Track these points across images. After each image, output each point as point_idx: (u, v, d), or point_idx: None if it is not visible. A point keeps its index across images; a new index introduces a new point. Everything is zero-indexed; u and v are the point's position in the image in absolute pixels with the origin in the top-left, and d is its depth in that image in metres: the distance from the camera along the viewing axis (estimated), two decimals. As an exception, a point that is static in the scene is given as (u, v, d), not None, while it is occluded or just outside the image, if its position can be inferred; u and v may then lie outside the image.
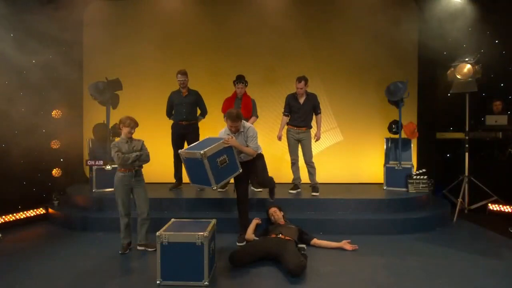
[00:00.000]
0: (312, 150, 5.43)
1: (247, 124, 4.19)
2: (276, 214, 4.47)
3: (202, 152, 3.59)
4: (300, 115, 5.29)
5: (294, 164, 5.43)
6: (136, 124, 4.09)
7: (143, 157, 4.09)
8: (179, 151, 3.90)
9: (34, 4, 5.04)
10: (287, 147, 5.47)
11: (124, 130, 4.04)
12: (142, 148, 4.13)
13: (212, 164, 3.67)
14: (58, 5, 5.65)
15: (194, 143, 4.16)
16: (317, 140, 5.42)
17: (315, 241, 4.20)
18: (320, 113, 5.40)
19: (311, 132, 5.40)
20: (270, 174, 4.41)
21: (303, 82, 5.16)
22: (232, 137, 3.96)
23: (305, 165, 5.39)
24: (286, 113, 5.41)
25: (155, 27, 6.49)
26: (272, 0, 6.38)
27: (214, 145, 3.76)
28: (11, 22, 4.95)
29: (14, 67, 5.04)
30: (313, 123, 5.43)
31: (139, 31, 6.46)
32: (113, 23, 6.20)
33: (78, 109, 6.47)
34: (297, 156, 5.42)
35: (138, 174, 4.12)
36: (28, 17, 5.08)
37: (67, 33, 5.71)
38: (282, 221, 4.39)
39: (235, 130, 4.06)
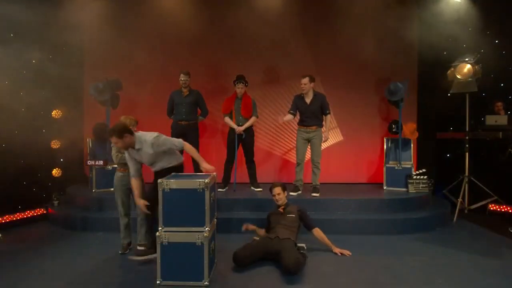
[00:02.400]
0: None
1: (147, 136, 3.54)
2: (279, 196, 4.18)
3: (206, 180, 3.19)
4: (308, 115, 5.23)
5: (299, 165, 5.36)
6: (136, 124, 4.09)
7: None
8: (159, 181, 3.24)
9: (34, 3, 5.03)
10: (295, 149, 5.44)
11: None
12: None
13: (210, 198, 3.27)
14: (59, 5, 5.64)
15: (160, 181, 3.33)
16: (324, 141, 5.35)
17: (317, 230, 4.08)
18: (329, 113, 5.30)
19: (322, 132, 5.31)
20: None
21: (307, 78, 5.10)
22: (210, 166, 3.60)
23: (308, 166, 5.35)
24: (291, 111, 5.31)
25: (155, 27, 6.49)
26: (273, 0, 6.38)
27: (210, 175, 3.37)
28: (10, 22, 4.95)
29: (14, 67, 5.04)
30: None
31: (140, 31, 6.46)
32: (113, 23, 6.20)
33: (78, 109, 6.47)
34: (303, 158, 5.37)
35: (137, 174, 4.11)
36: (29, 17, 5.07)
37: (67, 33, 5.70)
38: (281, 208, 4.16)
39: (124, 147, 3.47)
